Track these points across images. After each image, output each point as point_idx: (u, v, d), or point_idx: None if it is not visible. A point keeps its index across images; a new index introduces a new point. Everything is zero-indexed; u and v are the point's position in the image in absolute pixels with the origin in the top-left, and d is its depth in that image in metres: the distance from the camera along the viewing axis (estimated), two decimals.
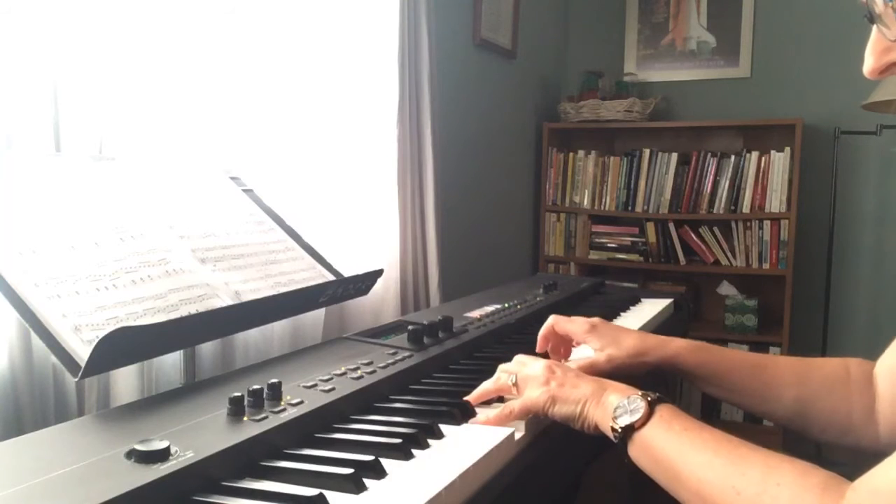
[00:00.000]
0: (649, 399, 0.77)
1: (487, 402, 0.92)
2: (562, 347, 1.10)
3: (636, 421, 0.76)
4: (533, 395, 0.85)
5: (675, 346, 1.00)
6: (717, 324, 3.30)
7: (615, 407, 0.79)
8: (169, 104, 1.42)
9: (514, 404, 0.86)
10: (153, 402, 0.85)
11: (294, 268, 1.28)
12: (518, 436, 0.83)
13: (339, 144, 1.84)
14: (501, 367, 0.94)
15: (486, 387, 0.92)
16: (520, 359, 0.94)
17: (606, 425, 0.79)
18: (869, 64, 0.69)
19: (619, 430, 0.77)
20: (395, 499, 0.65)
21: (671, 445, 0.73)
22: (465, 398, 0.91)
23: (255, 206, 1.36)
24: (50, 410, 1.17)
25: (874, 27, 0.68)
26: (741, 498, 0.65)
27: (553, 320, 1.07)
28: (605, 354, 1.00)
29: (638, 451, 0.76)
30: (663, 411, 0.76)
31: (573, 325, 1.05)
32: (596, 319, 1.06)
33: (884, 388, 0.91)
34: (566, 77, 3.72)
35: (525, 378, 0.88)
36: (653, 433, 0.75)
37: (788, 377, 0.97)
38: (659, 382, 1.02)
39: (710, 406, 3.24)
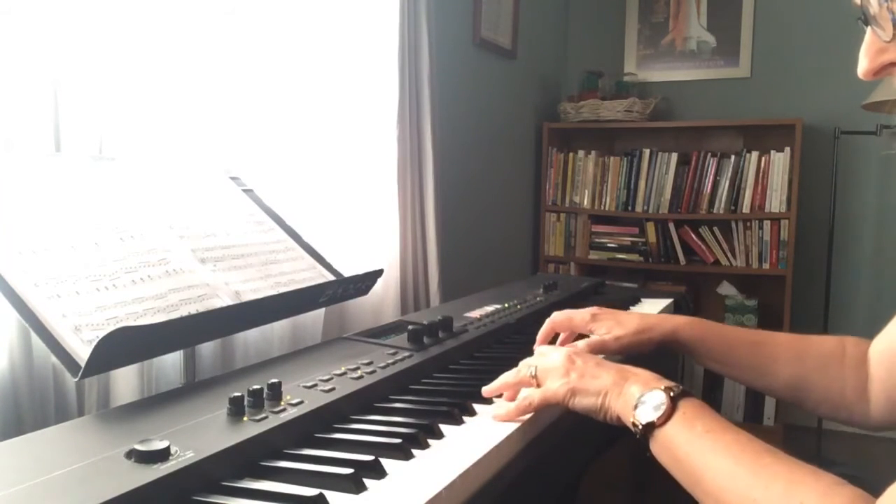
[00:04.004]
0: (672, 394, 0.75)
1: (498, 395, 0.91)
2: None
3: (658, 418, 0.74)
4: (553, 386, 0.84)
5: (676, 322, 1.04)
6: None
7: (637, 398, 0.77)
8: (169, 104, 1.42)
9: (534, 395, 0.85)
10: (153, 402, 0.85)
11: (294, 268, 1.28)
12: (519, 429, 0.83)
13: (339, 144, 1.84)
14: (524, 361, 0.93)
15: (506, 379, 0.90)
16: (540, 349, 0.94)
17: (628, 419, 0.77)
18: (863, 65, 0.69)
19: (641, 426, 0.75)
20: (395, 499, 0.65)
21: (693, 447, 0.71)
22: (484, 388, 0.90)
23: (255, 206, 1.36)
24: (50, 410, 1.16)
25: (868, 28, 0.69)
26: None
27: (552, 320, 1.08)
28: (612, 336, 1.02)
29: (659, 448, 0.74)
30: (686, 408, 0.74)
31: (575, 319, 1.07)
32: (595, 308, 1.08)
33: (875, 369, 0.94)
34: (566, 77, 3.71)
35: (545, 370, 0.87)
36: (675, 432, 0.73)
37: (786, 354, 1.00)
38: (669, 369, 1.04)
39: (708, 401, 3.24)
